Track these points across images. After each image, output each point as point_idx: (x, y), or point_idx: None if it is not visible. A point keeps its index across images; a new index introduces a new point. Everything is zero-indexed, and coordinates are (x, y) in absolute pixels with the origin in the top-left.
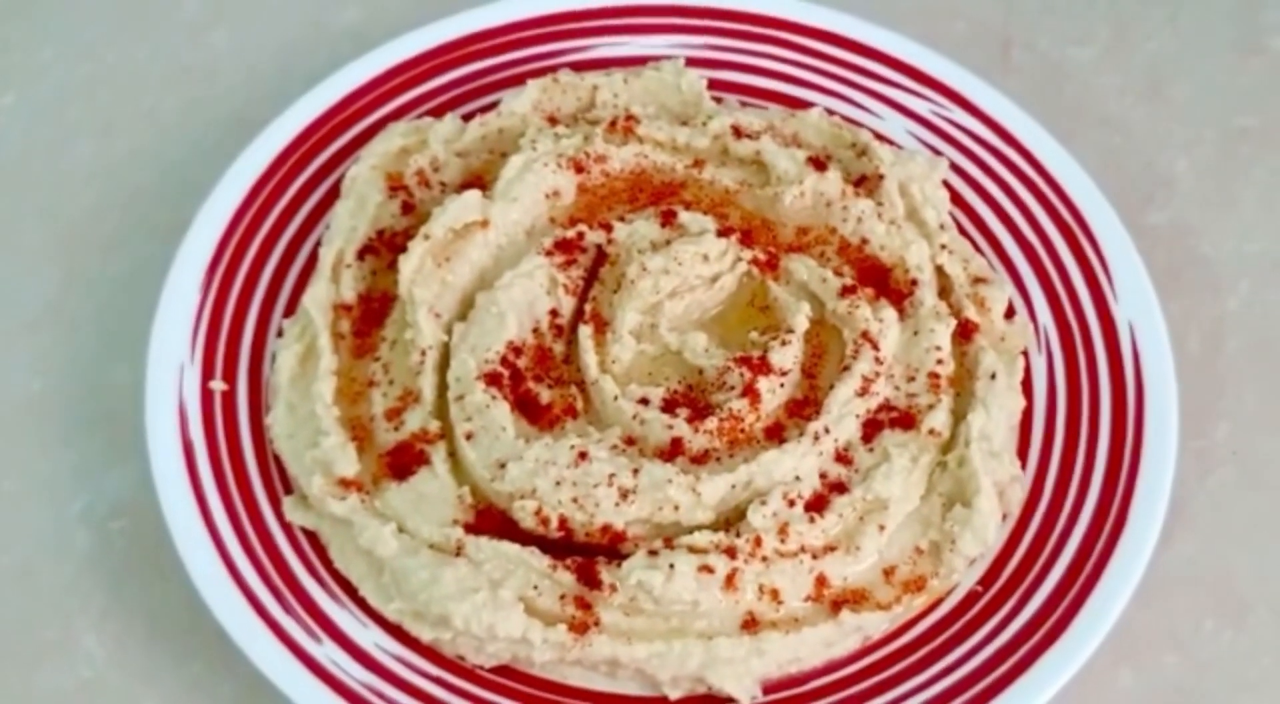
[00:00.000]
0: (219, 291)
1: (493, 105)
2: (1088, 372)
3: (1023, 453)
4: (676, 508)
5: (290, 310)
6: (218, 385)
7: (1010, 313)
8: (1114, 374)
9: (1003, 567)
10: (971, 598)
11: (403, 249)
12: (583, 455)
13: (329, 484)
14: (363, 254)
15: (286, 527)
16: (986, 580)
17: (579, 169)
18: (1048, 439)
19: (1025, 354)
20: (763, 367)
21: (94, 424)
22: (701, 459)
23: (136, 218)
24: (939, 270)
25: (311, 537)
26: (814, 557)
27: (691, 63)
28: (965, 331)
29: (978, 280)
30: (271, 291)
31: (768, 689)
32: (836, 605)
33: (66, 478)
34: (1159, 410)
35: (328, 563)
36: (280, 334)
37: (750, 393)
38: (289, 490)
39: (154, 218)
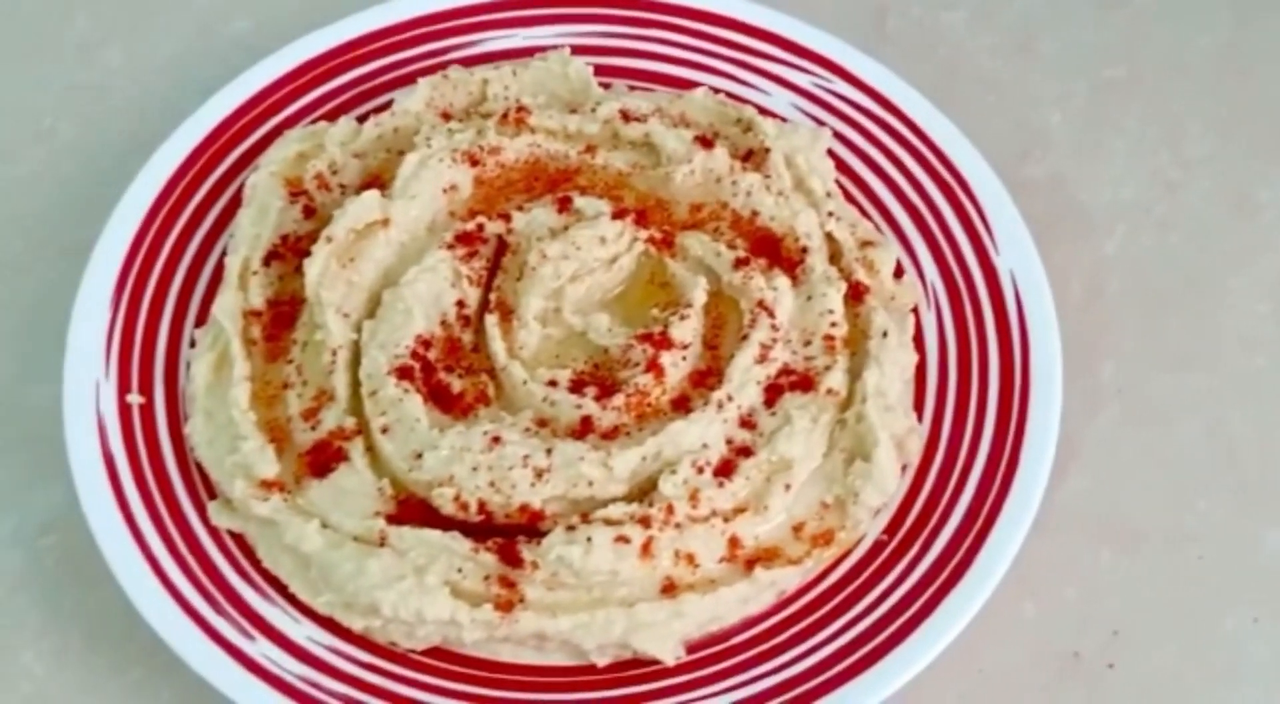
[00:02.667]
0: (129, 307)
1: (386, 106)
2: (975, 322)
3: (919, 405)
4: (590, 483)
5: (201, 320)
6: (135, 399)
7: (899, 272)
8: (999, 322)
9: (905, 515)
10: (878, 547)
11: (307, 253)
12: (496, 440)
13: (251, 486)
14: (268, 260)
15: (213, 531)
16: (890, 529)
17: (474, 162)
18: (941, 390)
19: (915, 311)
20: (664, 341)
21: (16, 445)
22: (611, 435)
23: (41, 240)
24: (828, 237)
25: (238, 539)
26: (725, 519)
27: (578, 51)
28: (856, 293)
29: (865, 244)
30: (181, 303)
31: (690, 648)
32: (750, 564)
33: None
34: (1043, 353)
35: (256, 563)
36: (193, 344)
37: (654, 368)
38: (213, 496)
39: (59, 239)
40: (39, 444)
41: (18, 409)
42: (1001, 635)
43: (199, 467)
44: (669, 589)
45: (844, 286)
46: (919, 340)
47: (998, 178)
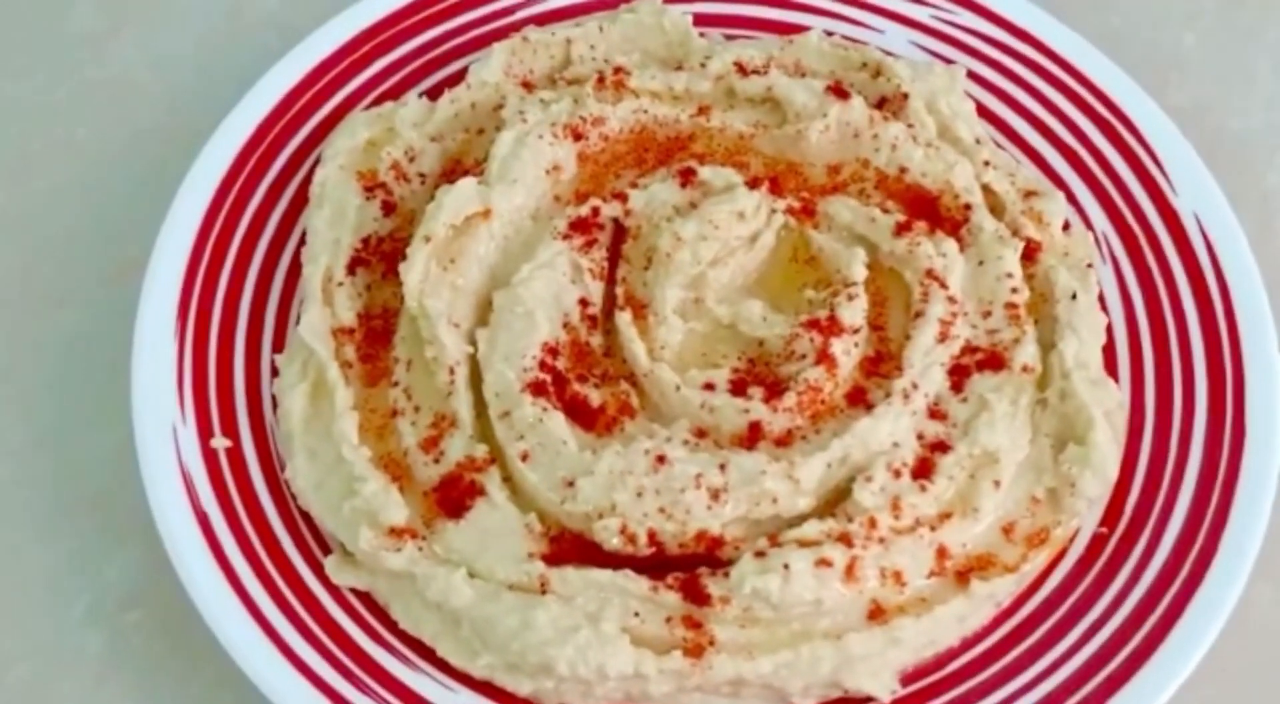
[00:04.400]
0: (196, 334)
1: (455, 78)
2: (1161, 274)
3: (1111, 373)
4: (775, 500)
5: (279, 344)
6: (220, 442)
7: (1064, 225)
8: (1190, 271)
9: (1122, 502)
10: (1098, 542)
11: (396, 256)
12: (661, 459)
13: (378, 536)
14: (353, 268)
15: (334, 590)
16: (1108, 520)
17: (577, 136)
18: (1135, 353)
19: (1089, 266)
20: (833, 327)
21: (79, 507)
22: (786, 440)
23: (77, 263)
24: (986, 190)
25: (365, 598)
26: (931, 528)
27: None
28: (1028, 252)
29: (1029, 194)
30: (254, 325)
31: (905, 679)
32: (962, 576)
33: (62, 574)
34: (1249, 303)
35: (391, 625)
36: (275, 373)
37: (825, 358)
38: (327, 550)
39: (98, 261)
40: (107, 503)
41: (76, 464)
42: (1243, 628)
43: (306, 516)
44: (876, 614)
45: (1019, 245)
46: (1099, 299)
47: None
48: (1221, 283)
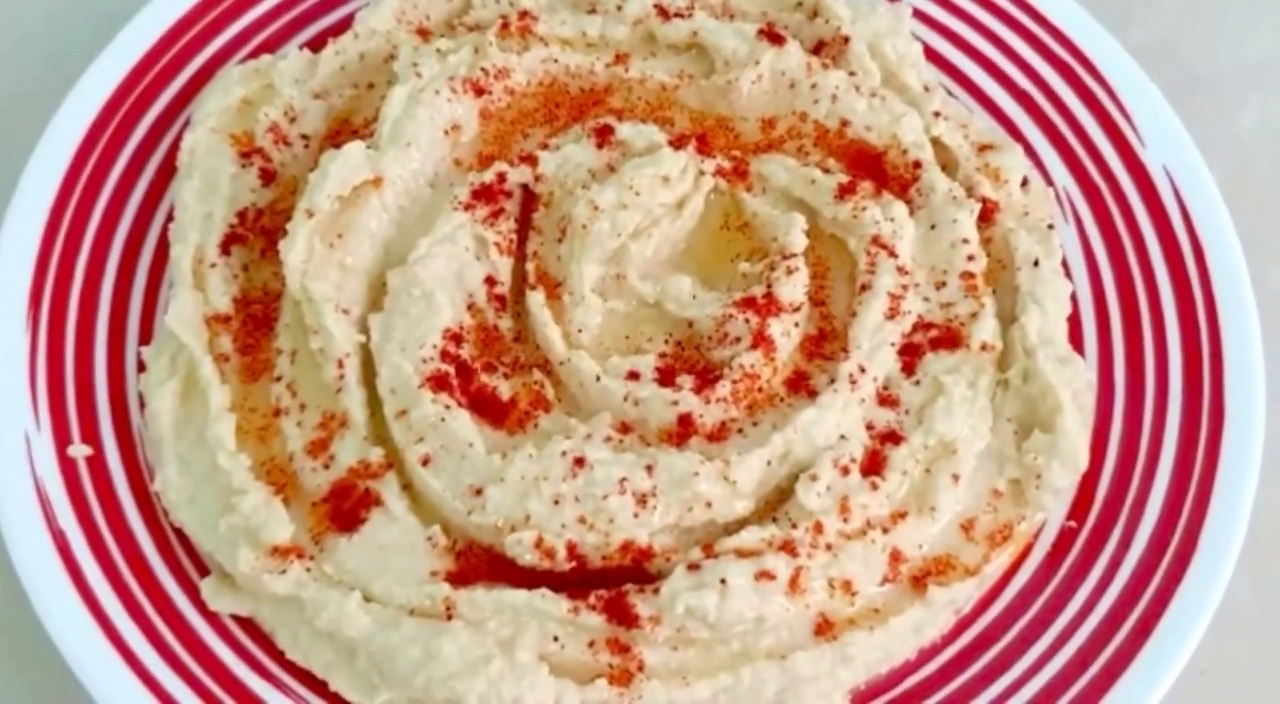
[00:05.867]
0: (51, 327)
1: (341, 26)
2: (1129, 234)
3: (1076, 347)
4: (709, 504)
5: (146, 336)
6: (79, 450)
7: (1023, 181)
8: (1161, 231)
9: (1092, 492)
10: (1067, 538)
11: (277, 232)
12: (579, 461)
13: (260, 556)
14: (227, 246)
15: (212, 618)
16: (1077, 513)
17: (478, 91)
18: (1102, 324)
19: (1049, 227)
20: (770, 305)
21: None
22: (720, 435)
23: None
24: (936, 144)
25: (248, 625)
26: (883, 530)
27: None
28: (985, 214)
29: (983, 148)
30: (117, 314)
31: (857, 700)
32: (919, 582)
33: None
34: (1225, 265)
35: (278, 655)
36: (141, 369)
37: (762, 341)
38: (205, 571)
39: None
40: None
41: None
42: (1219, 625)
43: (180, 533)
44: (824, 629)
45: (975, 207)
46: (1062, 264)
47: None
48: (1195, 243)
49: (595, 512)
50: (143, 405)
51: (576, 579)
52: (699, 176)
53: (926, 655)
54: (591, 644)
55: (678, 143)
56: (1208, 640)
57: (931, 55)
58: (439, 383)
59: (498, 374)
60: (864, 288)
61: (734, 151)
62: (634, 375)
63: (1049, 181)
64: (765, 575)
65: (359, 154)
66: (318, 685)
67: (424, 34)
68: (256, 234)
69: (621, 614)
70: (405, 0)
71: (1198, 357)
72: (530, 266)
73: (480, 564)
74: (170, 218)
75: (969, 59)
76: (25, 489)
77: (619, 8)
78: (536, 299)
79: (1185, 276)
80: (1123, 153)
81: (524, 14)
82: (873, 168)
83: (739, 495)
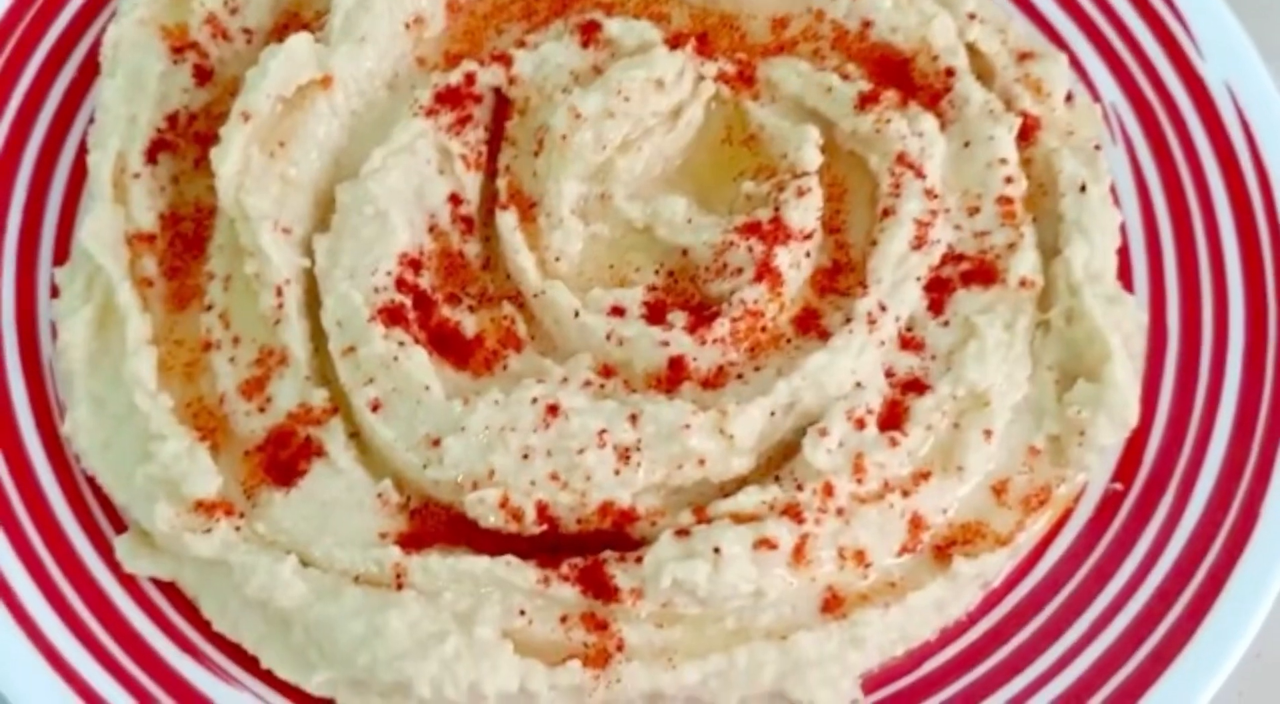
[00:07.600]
0: None
1: None
2: (1186, 158)
3: (1125, 284)
4: (702, 461)
5: (61, 256)
6: None
7: (1067, 96)
8: (1222, 155)
9: (1140, 450)
10: (1112, 502)
11: (212, 138)
12: (553, 409)
13: (181, 512)
14: (154, 154)
15: (127, 581)
16: (1124, 474)
17: None
18: (1154, 260)
19: (1097, 148)
20: (778, 232)
21: None
22: (716, 382)
23: None
24: (971, 50)
25: (170, 590)
26: (903, 493)
27: None
28: (1025, 131)
29: (1024, 56)
30: (29, 233)
31: (869, 686)
32: (942, 552)
33: None
34: None
35: (204, 627)
36: (55, 294)
37: (768, 273)
38: (121, 528)
39: None
40: None
41: None
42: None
43: (92, 483)
44: (833, 606)
45: (1015, 122)
46: (1110, 190)
47: None
48: (1260, 169)
49: (570, 468)
50: (55, 335)
51: (547, 545)
52: (698, 82)
53: (949, 636)
54: (564, 620)
55: (674, 42)
56: (1270, 622)
57: None
58: (393, 316)
59: (461, 307)
60: (886, 213)
61: (739, 54)
62: (618, 311)
63: (1096, 97)
64: (765, 544)
65: (305, 49)
66: (248, 661)
67: None
68: (188, 141)
69: (598, 586)
70: None
71: (1261, 297)
72: (501, 183)
73: (437, 526)
74: (92, 123)
75: None
76: None
77: None
78: (508, 221)
79: (1248, 206)
80: (1179, 66)
81: None
82: (898, 75)
83: (736, 451)
